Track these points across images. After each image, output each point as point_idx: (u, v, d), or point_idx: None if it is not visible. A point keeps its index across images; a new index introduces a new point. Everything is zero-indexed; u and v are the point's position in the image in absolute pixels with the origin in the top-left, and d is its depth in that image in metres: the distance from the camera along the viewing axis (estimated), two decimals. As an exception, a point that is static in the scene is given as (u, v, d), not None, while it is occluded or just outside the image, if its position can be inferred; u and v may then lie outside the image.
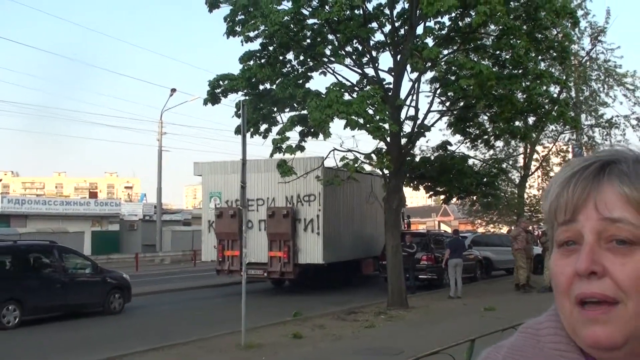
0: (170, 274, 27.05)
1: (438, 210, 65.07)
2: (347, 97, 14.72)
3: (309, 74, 16.74)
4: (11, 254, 14.29)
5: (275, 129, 16.66)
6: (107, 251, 33.94)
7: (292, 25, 14.90)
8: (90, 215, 44.09)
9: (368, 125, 13.78)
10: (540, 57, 17.36)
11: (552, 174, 28.60)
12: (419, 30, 15.49)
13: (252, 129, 16.33)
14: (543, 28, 15.61)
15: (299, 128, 16.76)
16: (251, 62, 15.91)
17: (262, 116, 16.65)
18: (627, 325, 0.82)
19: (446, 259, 18.57)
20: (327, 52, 16.00)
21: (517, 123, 17.64)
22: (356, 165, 15.26)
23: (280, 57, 16.07)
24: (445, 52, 16.46)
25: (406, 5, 15.92)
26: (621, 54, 36.77)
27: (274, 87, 16.01)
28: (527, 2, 15.20)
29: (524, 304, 15.33)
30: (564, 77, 21.49)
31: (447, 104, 18.10)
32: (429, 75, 17.94)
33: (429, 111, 16.94)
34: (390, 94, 15.94)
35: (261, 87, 16.51)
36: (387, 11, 16.09)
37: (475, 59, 16.28)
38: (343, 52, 16.03)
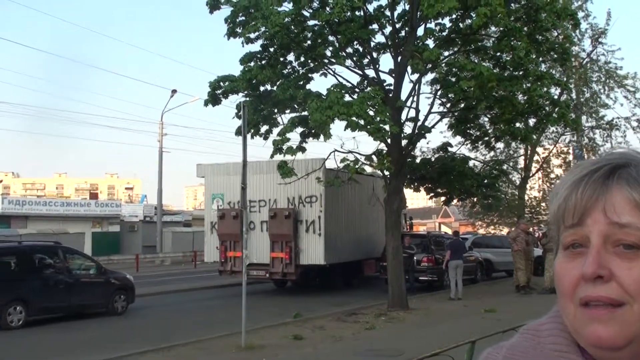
0: (171, 275, 27.06)
1: (439, 211, 64.98)
2: (347, 98, 14.72)
3: (310, 75, 16.75)
4: (16, 254, 14.38)
5: (275, 130, 16.68)
6: (108, 252, 33.92)
7: (292, 27, 14.91)
8: (90, 216, 44.11)
9: (368, 127, 13.78)
10: (541, 59, 17.37)
11: (552, 175, 28.63)
12: (420, 31, 15.53)
13: (252, 130, 16.34)
14: (544, 30, 15.60)
15: (299, 129, 16.78)
16: (252, 64, 15.91)
17: (263, 117, 16.65)
18: (630, 326, 0.82)
19: (447, 261, 18.55)
20: (328, 53, 16.01)
21: (517, 125, 17.64)
22: (357, 166, 15.26)
23: (281, 59, 16.08)
24: (446, 53, 16.48)
25: (407, 7, 15.93)
26: (622, 55, 36.75)
27: (275, 88, 16.02)
28: (528, 3, 15.21)
29: (525, 305, 15.32)
30: (565, 79, 21.52)
31: (448, 105, 18.09)
32: (430, 76, 17.96)
33: (429, 113, 16.96)
34: (390, 95, 15.93)
35: (262, 89, 16.51)
36: (387, 13, 16.10)
37: (476, 61, 16.30)
38: (344, 54, 16.04)
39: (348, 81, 16.44)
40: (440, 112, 17.91)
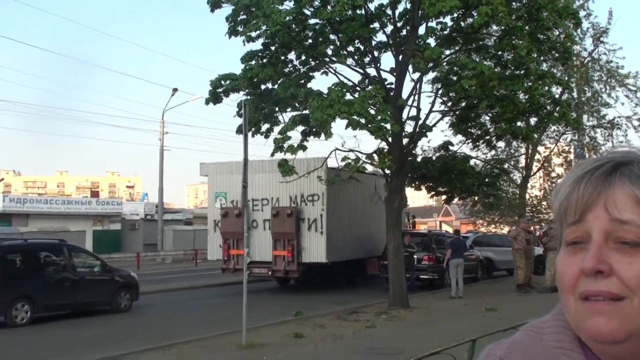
0: (172, 273, 27.09)
1: (440, 210, 64.99)
2: (348, 97, 14.73)
3: (311, 73, 16.75)
4: (22, 252, 14.48)
5: (276, 129, 16.68)
6: (109, 250, 33.93)
7: (294, 25, 14.91)
8: (91, 214, 44.20)
9: (370, 125, 13.78)
10: (542, 58, 17.36)
11: (553, 174, 28.63)
12: (421, 30, 15.52)
13: (253, 129, 16.34)
14: (545, 29, 15.59)
15: (300, 128, 16.78)
16: (253, 62, 15.92)
17: (264, 116, 16.66)
18: (631, 320, 0.83)
19: (447, 259, 18.58)
20: (329, 52, 16.01)
21: (519, 123, 17.62)
22: (358, 165, 15.27)
23: (282, 57, 16.08)
24: (447, 52, 16.47)
25: (408, 6, 15.92)
26: (623, 55, 36.66)
27: (276, 86, 16.02)
28: (529, 2, 15.19)
29: (525, 304, 15.34)
30: (566, 78, 21.48)
31: (449, 104, 18.09)
32: (431, 75, 17.93)
33: (430, 111, 16.95)
34: (392, 94, 15.93)
35: (263, 87, 16.51)
36: (389, 11, 16.08)
37: (477, 60, 16.28)
38: (345, 52, 16.04)
39: (349, 80, 16.45)
40: (442, 110, 17.91)
